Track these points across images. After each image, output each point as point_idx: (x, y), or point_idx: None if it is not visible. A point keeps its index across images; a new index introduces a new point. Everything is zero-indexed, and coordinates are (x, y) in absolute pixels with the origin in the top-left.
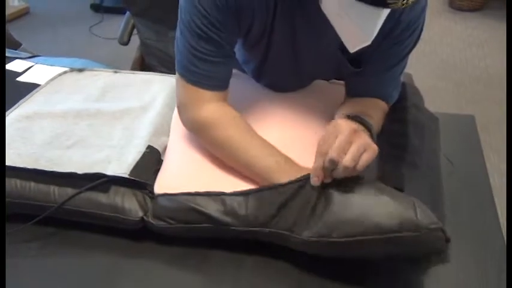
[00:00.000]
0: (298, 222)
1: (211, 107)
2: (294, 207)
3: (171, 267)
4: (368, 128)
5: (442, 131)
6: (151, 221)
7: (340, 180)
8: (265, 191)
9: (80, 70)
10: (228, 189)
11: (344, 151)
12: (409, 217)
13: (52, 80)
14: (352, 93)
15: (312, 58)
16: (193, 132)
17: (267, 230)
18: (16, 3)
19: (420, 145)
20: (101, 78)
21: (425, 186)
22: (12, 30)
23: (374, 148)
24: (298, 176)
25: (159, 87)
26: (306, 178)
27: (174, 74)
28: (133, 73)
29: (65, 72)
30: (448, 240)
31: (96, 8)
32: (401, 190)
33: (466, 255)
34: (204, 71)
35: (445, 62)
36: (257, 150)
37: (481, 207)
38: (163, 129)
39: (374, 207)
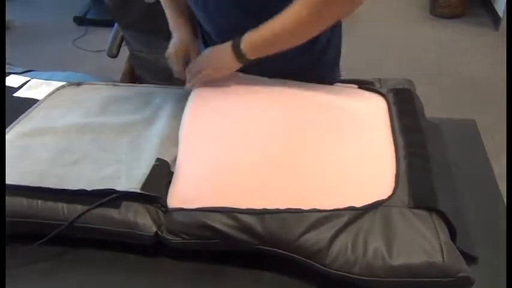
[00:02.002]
0: (321, 251)
1: None
2: (316, 236)
3: (187, 283)
4: None
5: (445, 137)
6: (166, 236)
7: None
8: (286, 213)
9: (78, 84)
10: (242, 200)
11: None
12: (437, 263)
13: (50, 95)
14: None
15: None
16: None
17: (285, 252)
18: None
19: (435, 155)
20: (100, 92)
21: (449, 199)
22: None
23: None
24: None
25: (161, 100)
26: (333, 210)
27: (166, 84)
28: (133, 86)
29: (63, 87)
30: (472, 284)
31: (80, 21)
32: (435, 209)
33: (480, 259)
34: None
35: (430, 69)
36: None
37: (494, 213)
38: (170, 141)
39: (400, 250)
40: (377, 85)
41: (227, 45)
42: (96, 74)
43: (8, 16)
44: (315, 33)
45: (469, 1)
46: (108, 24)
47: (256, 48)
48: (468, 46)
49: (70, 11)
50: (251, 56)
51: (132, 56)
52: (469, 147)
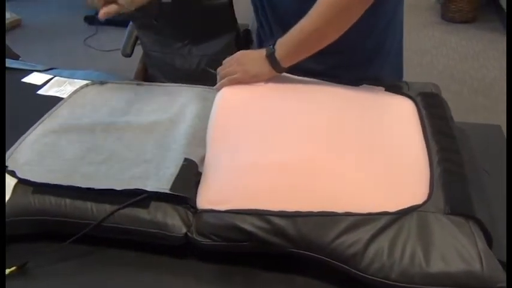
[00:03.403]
0: (356, 255)
1: None
2: (351, 240)
3: (216, 285)
4: None
5: (473, 142)
6: (196, 237)
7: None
8: (319, 216)
9: (102, 83)
10: (274, 203)
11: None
12: (475, 271)
13: (75, 93)
14: None
15: None
16: None
17: (319, 256)
18: (8, 15)
19: (467, 161)
20: (124, 91)
21: (483, 205)
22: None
23: None
24: None
25: (185, 99)
26: (367, 214)
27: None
28: (157, 85)
29: (86, 85)
30: None
31: (91, 20)
32: (473, 217)
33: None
34: None
35: (442, 73)
36: None
37: None
38: (196, 140)
39: (438, 257)
40: (405, 88)
41: (261, 54)
42: (108, 73)
43: (17, 15)
44: (342, 30)
45: (480, 6)
46: (119, 23)
47: (288, 55)
48: (479, 51)
49: (81, 10)
50: (285, 63)
51: (146, 56)
52: (497, 153)
